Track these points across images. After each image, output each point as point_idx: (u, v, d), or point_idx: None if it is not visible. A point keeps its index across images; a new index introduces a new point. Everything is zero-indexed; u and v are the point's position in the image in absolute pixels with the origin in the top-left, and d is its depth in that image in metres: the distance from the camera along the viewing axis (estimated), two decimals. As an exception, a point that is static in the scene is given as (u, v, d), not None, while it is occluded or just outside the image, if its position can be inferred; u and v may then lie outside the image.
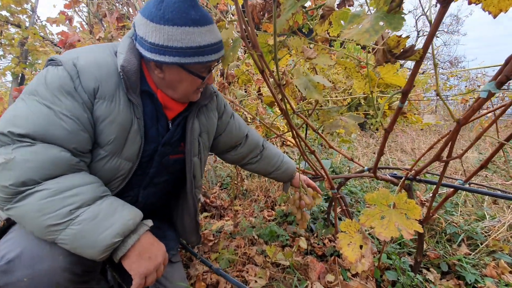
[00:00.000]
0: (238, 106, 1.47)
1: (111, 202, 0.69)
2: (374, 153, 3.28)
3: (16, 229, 0.69)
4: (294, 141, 1.14)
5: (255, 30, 0.80)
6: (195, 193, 0.99)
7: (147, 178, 0.88)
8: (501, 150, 0.80)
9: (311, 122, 1.03)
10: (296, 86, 1.17)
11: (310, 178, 1.33)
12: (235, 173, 1.96)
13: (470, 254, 1.28)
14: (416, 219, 0.73)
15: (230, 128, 1.09)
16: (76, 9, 2.28)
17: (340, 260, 1.24)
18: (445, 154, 0.84)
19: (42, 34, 3.72)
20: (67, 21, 2.37)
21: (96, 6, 1.99)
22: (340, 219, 1.58)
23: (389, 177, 1.10)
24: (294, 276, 1.16)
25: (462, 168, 2.32)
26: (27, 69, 3.81)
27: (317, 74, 1.21)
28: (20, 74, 3.86)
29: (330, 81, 2.95)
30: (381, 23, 0.58)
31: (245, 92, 2.07)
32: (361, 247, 0.79)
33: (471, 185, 1.03)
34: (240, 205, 1.98)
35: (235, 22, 1.27)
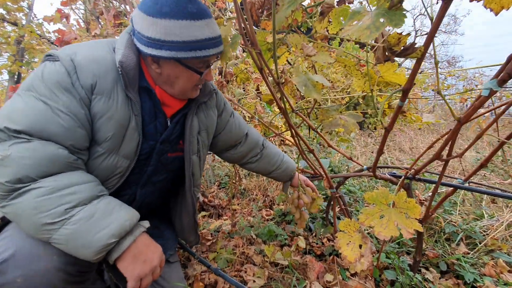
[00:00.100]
0: (236, 104, 1.46)
1: (108, 202, 0.68)
2: (373, 152, 3.28)
3: (11, 228, 0.68)
4: (293, 140, 1.14)
5: (254, 28, 0.79)
6: (194, 192, 0.98)
7: (145, 177, 0.87)
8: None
9: (310, 121, 1.02)
10: (295, 85, 1.16)
11: (309, 177, 1.32)
12: (234, 172, 1.95)
13: (468, 253, 1.28)
14: (415, 218, 0.72)
15: (230, 126, 1.07)
16: (73, 6, 2.26)
17: (339, 260, 1.24)
18: (444, 153, 0.83)
19: (39, 32, 3.68)
20: (64, 19, 2.35)
21: (93, 4, 1.96)
22: (338, 218, 1.58)
23: (388, 176, 1.09)
24: (293, 276, 1.15)
25: (459, 167, 2.33)
26: (23, 67, 3.77)
27: (316, 73, 1.20)
28: (17, 73, 3.82)
29: (329, 80, 2.95)
30: (382, 20, 0.57)
31: (243, 90, 2.05)
32: (360, 246, 0.78)
33: (470, 184, 1.03)
34: (238, 204, 1.97)
35: (234, 20, 1.26)
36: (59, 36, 1.80)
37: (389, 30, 0.67)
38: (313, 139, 2.90)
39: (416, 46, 0.64)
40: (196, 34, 0.70)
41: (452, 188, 1.00)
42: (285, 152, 2.60)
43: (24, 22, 3.75)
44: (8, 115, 0.63)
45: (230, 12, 1.50)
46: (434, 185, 1.67)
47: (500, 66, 0.65)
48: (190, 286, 1.13)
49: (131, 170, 0.81)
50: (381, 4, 0.61)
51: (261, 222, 1.64)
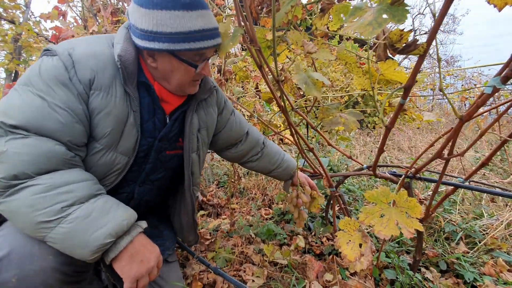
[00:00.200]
0: (235, 103, 1.45)
1: (105, 201, 0.66)
2: (371, 151, 3.28)
3: (6, 227, 0.67)
4: (292, 139, 1.13)
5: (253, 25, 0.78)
6: (193, 191, 0.97)
7: (143, 174, 0.86)
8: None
9: (309, 120, 1.01)
10: (295, 83, 1.15)
11: (308, 176, 1.31)
12: (232, 171, 1.94)
13: (468, 253, 1.28)
14: (416, 218, 0.71)
15: (231, 124, 1.06)
16: (70, 4, 2.23)
17: (338, 259, 1.23)
18: (445, 152, 0.83)
19: (36, 30, 3.65)
20: (61, 17, 2.32)
21: (90, 1, 1.94)
22: (338, 217, 1.57)
23: (389, 175, 1.08)
24: (292, 276, 1.15)
25: (458, 166, 2.33)
26: (20, 65, 3.74)
27: (316, 71, 1.19)
28: (14, 71, 3.79)
29: (328, 79, 2.94)
30: (385, 16, 0.56)
31: (242, 89, 2.04)
32: (360, 245, 0.78)
33: (471, 183, 1.02)
34: (237, 203, 1.96)
35: (233, 18, 1.25)
36: (56, 33, 1.78)
37: (390, 26, 0.67)
38: (312, 138, 2.89)
39: (418, 42, 0.63)
40: (188, 25, 0.68)
41: (452, 187, 1.00)
42: (284, 151, 2.59)
43: (21, 20, 3.72)
44: (5, 110, 0.62)
45: (229, 9, 1.49)
46: (433, 184, 1.67)
47: (502, 64, 0.65)
48: (188, 286, 1.12)
49: (129, 168, 0.80)
50: (383, 0, 0.60)
51: (260, 221, 1.63)
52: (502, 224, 1.38)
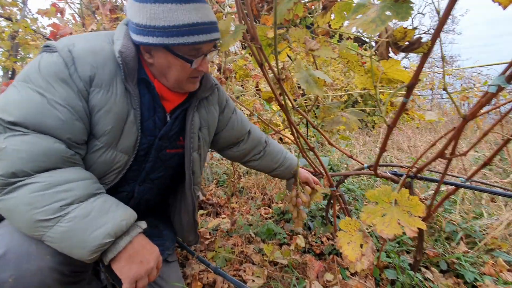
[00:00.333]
0: (235, 101, 1.43)
1: (104, 201, 0.65)
2: (371, 150, 3.28)
3: (3, 226, 0.66)
4: (292, 138, 1.12)
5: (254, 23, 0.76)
6: (194, 190, 0.96)
7: (143, 173, 0.85)
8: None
9: (310, 119, 1.00)
10: (296, 81, 1.14)
11: (308, 175, 1.31)
12: (232, 170, 1.93)
13: (468, 252, 1.28)
14: (419, 216, 0.71)
15: (232, 123, 1.05)
16: (68, 1, 2.21)
17: (339, 259, 1.23)
18: (447, 151, 0.82)
19: (33, 27, 3.62)
20: (59, 14, 2.30)
21: (89, -2, 1.92)
22: (338, 217, 1.56)
23: (390, 175, 1.08)
24: (293, 276, 1.14)
25: (457, 166, 2.33)
26: (18, 63, 3.71)
27: (317, 69, 1.18)
28: (11, 69, 3.75)
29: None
30: (388, 13, 0.55)
31: (242, 87, 2.03)
32: (361, 245, 0.77)
33: (472, 183, 1.02)
34: (236, 202, 1.95)
35: (233, 15, 1.23)
36: (54, 30, 1.76)
37: (394, 23, 0.66)
38: (312, 137, 2.88)
39: (422, 41, 0.62)
40: (182, 18, 0.66)
41: (453, 186, 0.99)
42: (284, 150, 2.58)
43: (18, 17, 3.68)
44: (3, 106, 0.61)
45: (229, 7, 1.47)
46: (433, 183, 1.67)
47: (502, 64, 0.64)
48: (188, 286, 1.11)
49: (129, 166, 0.79)
50: (387, -3, 0.59)
51: (260, 221, 1.62)
52: (502, 224, 1.37)
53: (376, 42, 0.74)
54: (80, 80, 0.66)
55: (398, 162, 2.62)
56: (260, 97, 1.73)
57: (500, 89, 0.61)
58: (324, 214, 1.61)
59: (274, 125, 1.74)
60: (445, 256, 1.25)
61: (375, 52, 0.74)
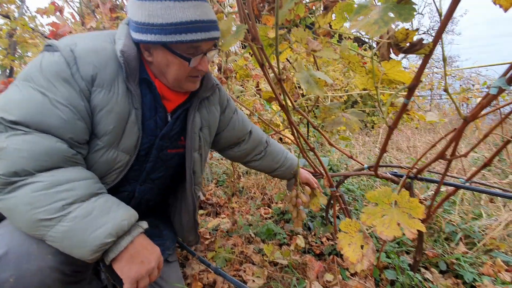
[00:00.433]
0: (236, 101, 1.43)
1: (106, 200, 0.65)
2: (370, 150, 3.28)
3: (3, 226, 0.66)
4: (292, 138, 1.12)
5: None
6: (194, 190, 0.96)
7: (144, 173, 0.85)
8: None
9: (310, 119, 1.00)
10: (297, 81, 1.14)
11: (308, 175, 1.30)
12: (232, 170, 1.92)
13: (467, 253, 1.28)
14: (419, 218, 0.71)
15: (233, 123, 1.05)
16: (67, -1, 2.20)
17: (339, 259, 1.23)
18: (448, 152, 0.82)
19: (31, 25, 3.59)
20: (58, 12, 2.29)
21: (88, -4, 1.91)
22: (338, 217, 1.57)
23: (390, 176, 1.08)
24: (293, 276, 1.14)
25: (457, 166, 2.34)
26: (16, 61, 3.68)
27: (318, 70, 1.18)
28: (9, 67, 3.73)
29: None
30: (391, 14, 0.55)
31: (242, 87, 2.03)
32: (362, 247, 0.77)
33: (471, 184, 1.02)
34: (236, 202, 1.95)
35: (233, 15, 1.23)
36: (53, 29, 1.75)
37: (397, 25, 0.66)
38: (312, 137, 2.89)
39: (424, 42, 0.62)
40: (179, 16, 0.66)
41: (453, 187, 0.99)
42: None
43: (16, 14, 3.65)
44: (4, 105, 0.61)
45: (230, 6, 1.47)
46: (433, 184, 1.67)
47: (501, 64, 0.64)
48: (188, 286, 1.11)
49: (130, 166, 0.79)
50: (389, -2, 0.59)
51: (260, 221, 1.62)
52: (500, 224, 1.38)
53: (377, 43, 0.75)
54: (82, 80, 0.66)
55: (398, 163, 2.63)
56: (260, 97, 1.73)
57: (501, 91, 0.61)
58: (324, 214, 1.61)
59: (275, 125, 1.74)
60: (444, 256, 1.26)
61: (376, 53, 0.74)
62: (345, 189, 2.03)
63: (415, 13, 0.55)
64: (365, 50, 3.10)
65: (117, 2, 1.75)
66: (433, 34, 0.64)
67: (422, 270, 1.18)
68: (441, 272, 1.20)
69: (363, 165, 1.22)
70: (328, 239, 1.46)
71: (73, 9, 2.17)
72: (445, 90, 0.65)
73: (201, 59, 0.76)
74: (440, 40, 0.61)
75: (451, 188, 1.02)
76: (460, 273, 1.15)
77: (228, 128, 1.04)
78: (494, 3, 0.62)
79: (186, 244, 1.12)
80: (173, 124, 0.84)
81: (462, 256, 1.23)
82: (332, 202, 1.30)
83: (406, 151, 3.24)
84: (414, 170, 1.00)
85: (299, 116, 1.02)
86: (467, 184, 0.97)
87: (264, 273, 1.15)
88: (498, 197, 1.61)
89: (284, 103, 0.91)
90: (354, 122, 0.91)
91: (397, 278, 1.11)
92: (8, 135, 0.59)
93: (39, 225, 0.58)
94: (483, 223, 1.44)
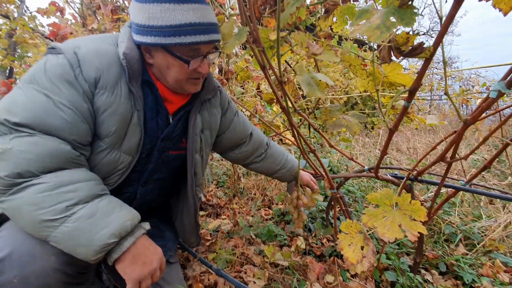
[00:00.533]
0: (236, 103, 1.44)
1: (109, 201, 0.66)
2: (370, 152, 3.29)
3: (7, 227, 0.66)
4: (293, 140, 1.12)
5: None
6: (195, 192, 0.96)
7: (146, 174, 0.85)
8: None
9: (311, 121, 1.01)
10: (299, 84, 1.15)
11: (309, 177, 1.31)
12: (232, 171, 1.93)
13: (467, 254, 1.29)
14: (420, 221, 0.72)
15: (234, 125, 1.06)
16: (68, 0, 2.20)
17: (339, 261, 1.23)
18: (448, 155, 0.83)
19: (31, 25, 3.59)
20: (58, 13, 2.29)
21: (89, -3, 1.92)
22: (338, 219, 1.57)
23: (390, 177, 1.09)
24: (294, 277, 1.14)
25: (457, 168, 2.34)
26: (16, 61, 3.68)
27: (319, 72, 1.19)
28: (8, 67, 3.72)
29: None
30: (393, 19, 0.56)
31: (242, 89, 2.03)
32: (362, 248, 0.78)
33: (471, 186, 1.03)
34: (236, 203, 1.95)
35: (234, 17, 1.24)
36: (54, 30, 1.75)
37: (397, 29, 0.66)
38: (312, 138, 2.89)
39: (424, 46, 0.63)
40: (179, 18, 0.67)
41: (453, 189, 1.00)
42: (284, 151, 2.58)
43: (16, 14, 3.65)
44: (8, 107, 0.61)
45: (231, 8, 1.48)
46: (433, 186, 1.68)
47: (501, 65, 0.65)
48: (189, 287, 1.12)
49: (133, 167, 0.80)
50: (390, 2, 0.59)
51: (260, 222, 1.63)
52: (500, 226, 1.39)
53: (378, 46, 0.75)
54: (85, 82, 0.66)
55: (398, 164, 2.64)
56: (261, 99, 1.74)
57: (500, 94, 0.62)
58: (324, 215, 1.61)
59: (275, 126, 1.74)
60: (444, 258, 1.26)
61: (377, 55, 0.75)
62: (346, 191, 2.03)
63: (416, 17, 0.56)
64: (365, 51, 3.11)
65: (118, 3, 1.76)
66: (433, 35, 0.65)
67: (422, 271, 1.19)
68: (441, 273, 1.20)
69: (364, 166, 1.22)
70: (328, 240, 1.46)
71: (74, 10, 2.17)
72: (445, 93, 0.65)
73: (201, 61, 0.77)
74: (440, 44, 0.62)
75: (451, 190, 1.03)
76: (460, 274, 1.16)
77: (229, 130, 1.04)
78: (494, 6, 0.62)
79: (188, 246, 1.12)
80: (174, 126, 0.85)
81: (462, 258, 1.24)
82: (332, 203, 1.31)
83: (406, 152, 3.25)
84: (415, 172, 1.00)
85: (299, 118, 1.02)
86: (467, 186, 0.98)
87: (265, 274, 1.15)
88: (498, 199, 1.62)
89: (285, 105, 0.91)
90: (355, 125, 0.91)
91: (397, 280, 1.12)
92: (12, 136, 0.59)
93: (43, 226, 0.58)
94: (482, 224, 1.45)
